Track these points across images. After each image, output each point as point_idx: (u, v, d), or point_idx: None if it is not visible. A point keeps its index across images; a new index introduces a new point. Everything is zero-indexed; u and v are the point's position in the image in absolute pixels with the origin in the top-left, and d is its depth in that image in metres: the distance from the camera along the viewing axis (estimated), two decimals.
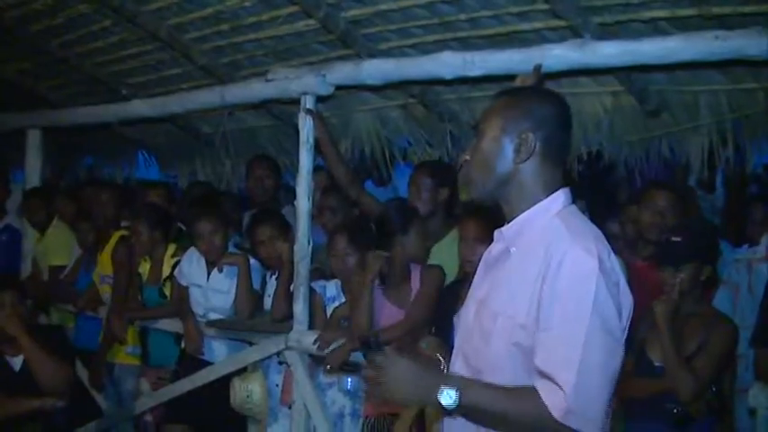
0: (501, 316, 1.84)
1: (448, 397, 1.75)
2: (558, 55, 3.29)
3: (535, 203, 1.89)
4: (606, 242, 1.85)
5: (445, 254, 3.76)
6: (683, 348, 2.97)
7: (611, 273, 1.77)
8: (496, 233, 1.99)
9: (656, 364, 3.04)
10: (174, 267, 4.47)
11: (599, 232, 1.88)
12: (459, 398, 1.75)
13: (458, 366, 1.96)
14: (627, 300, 1.81)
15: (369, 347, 1.97)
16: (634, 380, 3.05)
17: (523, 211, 1.90)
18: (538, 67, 3.23)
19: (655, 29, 3.30)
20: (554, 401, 1.70)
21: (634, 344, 3.11)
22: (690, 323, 3.03)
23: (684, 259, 3.02)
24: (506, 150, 1.89)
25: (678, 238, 3.06)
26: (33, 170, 5.96)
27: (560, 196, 1.90)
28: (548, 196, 1.89)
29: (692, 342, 2.99)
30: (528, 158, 1.88)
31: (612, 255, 1.83)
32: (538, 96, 1.98)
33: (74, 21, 4.87)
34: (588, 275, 1.73)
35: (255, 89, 4.42)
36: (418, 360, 1.90)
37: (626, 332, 1.81)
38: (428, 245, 3.71)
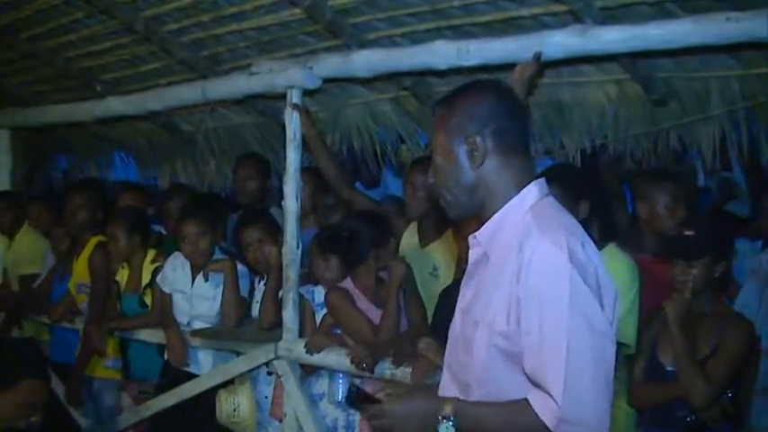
0: (480, 324, 1.87)
1: (446, 429, 1.82)
2: (559, 42, 3.27)
3: (507, 201, 1.90)
4: (581, 232, 1.85)
5: (438, 255, 3.78)
6: (697, 351, 2.95)
7: (587, 263, 1.78)
8: (471, 239, 2.00)
9: (668, 368, 3.02)
10: (153, 274, 4.44)
11: (572, 222, 1.89)
12: (457, 426, 1.81)
13: (446, 380, 2.02)
14: (608, 288, 1.82)
15: (355, 401, 2.05)
16: (644, 385, 3.05)
17: (497, 211, 1.91)
18: (537, 56, 3.23)
19: (661, 12, 3.28)
20: (546, 411, 1.73)
21: (644, 346, 3.10)
22: (703, 324, 3.01)
23: (697, 254, 3.00)
24: (461, 160, 1.91)
25: (690, 232, 3.04)
26: (3, 173, 5.97)
27: (532, 189, 1.91)
28: (519, 191, 1.90)
29: (706, 344, 2.97)
30: (484, 160, 1.89)
31: (588, 244, 1.83)
32: (473, 94, 1.97)
33: (43, 13, 4.83)
34: (559, 270, 1.74)
35: (238, 83, 4.39)
36: (408, 395, 1.97)
37: (614, 322, 1.82)
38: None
